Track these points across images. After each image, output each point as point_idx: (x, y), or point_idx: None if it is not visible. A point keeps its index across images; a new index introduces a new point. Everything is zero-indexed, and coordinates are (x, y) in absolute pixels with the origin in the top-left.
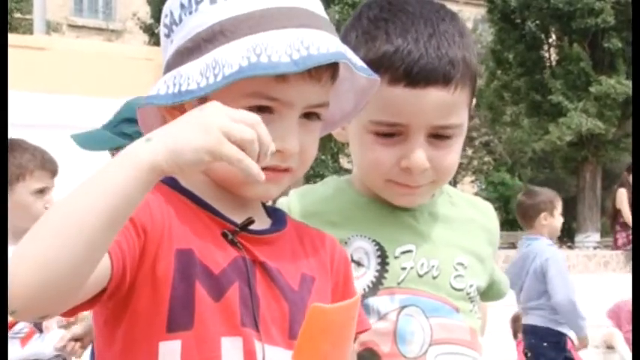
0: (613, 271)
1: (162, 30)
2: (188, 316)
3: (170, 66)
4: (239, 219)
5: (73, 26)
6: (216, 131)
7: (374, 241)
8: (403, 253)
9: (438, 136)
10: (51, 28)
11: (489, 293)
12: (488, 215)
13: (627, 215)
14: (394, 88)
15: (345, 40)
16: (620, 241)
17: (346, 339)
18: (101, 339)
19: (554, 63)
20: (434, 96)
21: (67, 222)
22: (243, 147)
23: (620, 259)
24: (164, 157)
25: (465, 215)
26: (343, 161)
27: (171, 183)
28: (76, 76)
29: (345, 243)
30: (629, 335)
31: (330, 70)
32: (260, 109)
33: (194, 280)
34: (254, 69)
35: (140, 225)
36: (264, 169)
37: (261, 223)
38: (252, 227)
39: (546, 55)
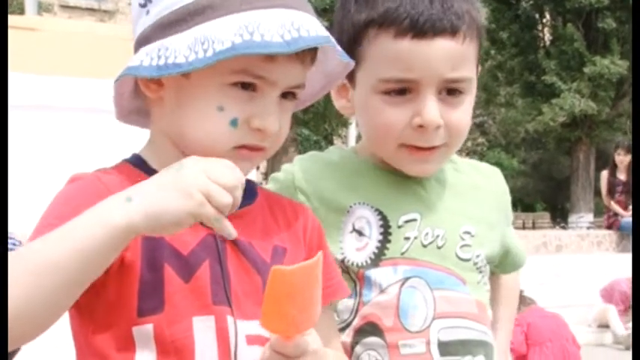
0: (606, 250)
1: (135, 0)
2: (158, 299)
3: (148, 38)
4: None
5: (65, 7)
6: (197, 194)
7: (377, 209)
8: (407, 222)
9: (449, 91)
10: (42, 8)
11: (505, 262)
12: (495, 180)
13: (604, 198)
14: (401, 41)
15: (344, 5)
16: (605, 223)
17: (312, 301)
18: (76, 325)
19: (548, 43)
20: (442, 46)
21: (40, 274)
22: (220, 210)
23: (613, 239)
24: (143, 221)
25: (471, 181)
26: (337, 142)
27: (137, 162)
28: (68, 56)
29: (347, 211)
30: (620, 314)
31: (312, 52)
32: (243, 86)
33: (162, 263)
34: (247, 47)
35: None
36: (241, 146)
37: None
38: None
39: (540, 35)
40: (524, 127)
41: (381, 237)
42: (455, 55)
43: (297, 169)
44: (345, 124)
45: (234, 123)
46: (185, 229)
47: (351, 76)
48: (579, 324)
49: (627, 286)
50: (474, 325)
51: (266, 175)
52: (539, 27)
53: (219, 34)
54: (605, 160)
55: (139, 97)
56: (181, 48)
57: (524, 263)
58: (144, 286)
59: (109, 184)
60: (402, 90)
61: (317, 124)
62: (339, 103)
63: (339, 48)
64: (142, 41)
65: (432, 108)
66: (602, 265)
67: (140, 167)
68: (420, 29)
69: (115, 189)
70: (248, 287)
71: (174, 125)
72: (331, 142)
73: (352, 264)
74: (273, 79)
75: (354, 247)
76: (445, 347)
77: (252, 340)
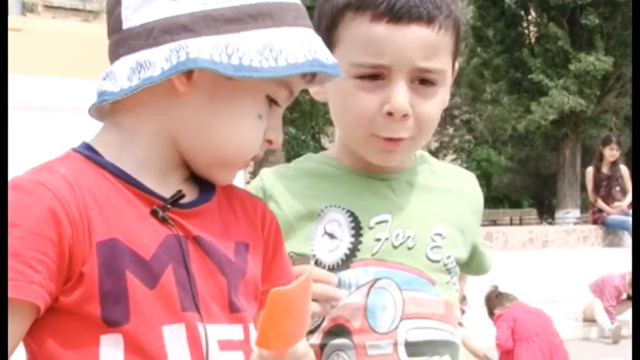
0: (592, 245)
1: None
2: (123, 310)
3: (187, 29)
4: (169, 192)
5: (49, 7)
6: None
7: (348, 211)
8: (378, 223)
9: (421, 81)
10: (26, 8)
11: (471, 266)
12: (469, 184)
13: (590, 194)
14: (376, 25)
15: None
16: (591, 218)
17: (306, 313)
18: (28, 335)
19: (533, 40)
20: (417, 33)
21: None
22: None
23: (598, 234)
24: None
25: (445, 184)
26: (324, 141)
27: (92, 156)
28: (53, 57)
29: (319, 215)
30: (612, 309)
31: None
32: (270, 101)
33: (123, 271)
34: (317, 65)
35: (58, 235)
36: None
37: (191, 192)
38: (181, 200)
39: (526, 32)
40: (510, 124)
41: (352, 239)
42: (429, 44)
43: (267, 176)
44: (330, 122)
45: (265, 133)
46: (144, 231)
47: None
48: (566, 319)
49: (620, 282)
50: (440, 325)
51: (254, 174)
52: (525, 24)
53: (288, 46)
54: (591, 157)
55: None
56: (251, 51)
57: (490, 268)
58: (106, 297)
59: (54, 185)
60: (375, 75)
61: (304, 123)
62: (313, 90)
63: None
64: (177, 29)
65: (400, 95)
66: (588, 260)
67: (94, 160)
68: (396, 14)
69: (63, 190)
70: (213, 290)
71: (198, 123)
72: (318, 141)
73: (324, 266)
74: (294, 94)
75: (325, 249)
76: (412, 348)
77: (224, 345)
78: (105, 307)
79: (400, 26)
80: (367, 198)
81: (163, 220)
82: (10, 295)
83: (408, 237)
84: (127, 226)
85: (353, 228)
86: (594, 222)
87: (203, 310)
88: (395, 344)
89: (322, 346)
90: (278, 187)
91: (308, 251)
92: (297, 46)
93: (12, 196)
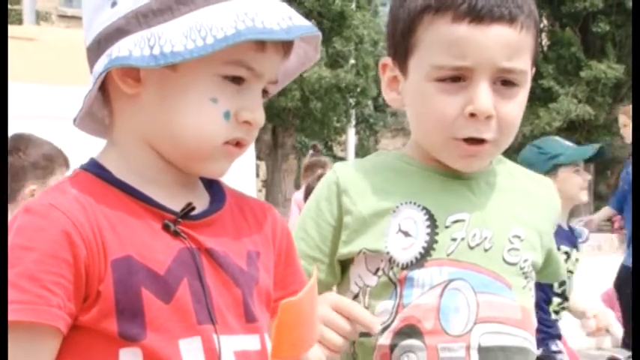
0: (606, 254)
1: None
2: (139, 326)
3: (123, 30)
4: (179, 204)
5: (63, 16)
6: None
7: (424, 209)
8: (455, 222)
9: (503, 82)
10: (40, 18)
11: (545, 272)
12: (547, 189)
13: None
14: (458, 26)
15: None
16: (616, 224)
17: (315, 316)
18: None
19: (545, 48)
20: (499, 33)
21: None
22: None
23: (613, 243)
24: None
25: (523, 186)
26: (337, 149)
27: (101, 174)
28: (66, 66)
29: (394, 212)
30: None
31: (291, 45)
32: (233, 79)
33: (139, 287)
34: (253, 33)
35: (73, 256)
36: (228, 142)
37: (201, 202)
38: (192, 212)
39: (538, 39)
40: (521, 132)
41: (427, 237)
42: (511, 44)
43: (341, 170)
44: (343, 130)
45: (227, 116)
46: (157, 246)
47: (402, 66)
48: (580, 327)
49: None
50: (516, 331)
51: (266, 183)
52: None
53: (218, 22)
54: (604, 165)
55: (97, 100)
56: (176, 36)
57: (563, 276)
58: (122, 314)
59: (66, 207)
60: (456, 77)
61: (315, 132)
62: (389, 96)
63: (320, 38)
64: (115, 35)
65: (484, 96)
66: (603, 269)
67: (103, 177)
68: (478, 14)
69: (75, 211)
70: (229, 301)
71: (157, 122)
72: (331, 149)
73: (397, 264)
74: (261, 72)
75: (399, 247)
76: (485, 353)
77: (241, 356)
78: (121, 324)
79: (482, 26)
80: (444, 196)
81: (175, 234)
82: (31, 319)
83: (485, 238)
84: (140, 242)
85: (428, 226)
86: (620, 228)
87: (219, 321)
88: (467, 348)
89: (392, 347)
90: (353, 181)
91: (382, 248)
92: (229, 19)
93: (26, 219)
